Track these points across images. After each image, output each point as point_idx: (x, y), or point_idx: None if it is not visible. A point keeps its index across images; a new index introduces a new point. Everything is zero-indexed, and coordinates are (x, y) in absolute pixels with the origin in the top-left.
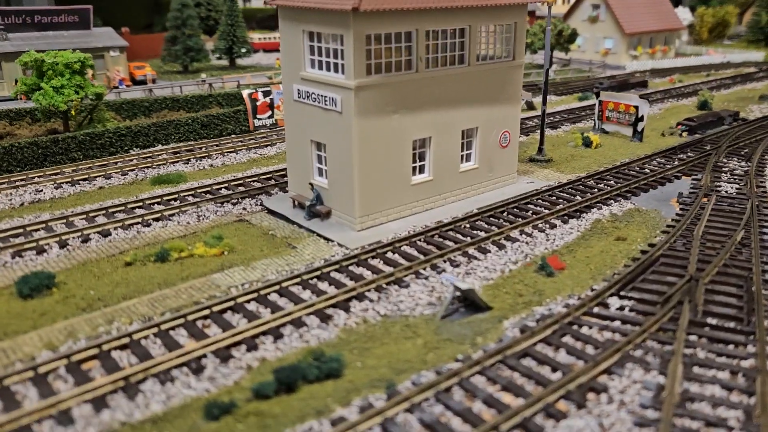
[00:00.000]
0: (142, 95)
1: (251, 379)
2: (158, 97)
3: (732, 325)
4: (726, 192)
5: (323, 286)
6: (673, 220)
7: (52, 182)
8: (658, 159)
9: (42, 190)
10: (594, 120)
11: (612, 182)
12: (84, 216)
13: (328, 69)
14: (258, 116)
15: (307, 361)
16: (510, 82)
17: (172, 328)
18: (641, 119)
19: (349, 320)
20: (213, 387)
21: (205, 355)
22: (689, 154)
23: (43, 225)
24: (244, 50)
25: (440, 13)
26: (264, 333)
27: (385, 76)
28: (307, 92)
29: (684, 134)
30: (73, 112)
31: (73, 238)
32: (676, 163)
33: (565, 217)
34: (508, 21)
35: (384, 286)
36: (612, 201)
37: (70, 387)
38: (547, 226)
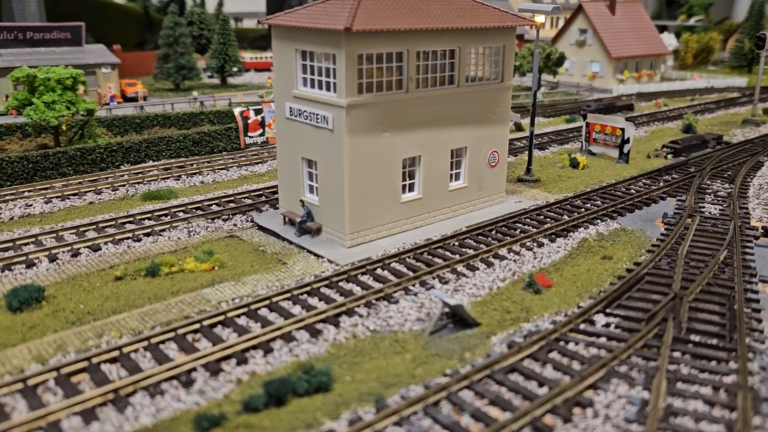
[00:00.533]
0: (134, 112)
1: (241, 393)
2: (149, 114)
3: (715, 342)
4: (710, 213)
5: (313, 301)
6: (658, 239)
7: (42, 197)
8: (643, 180)
9: (32, 205)
10: (581, 141)
11: (599, 202)
12: (74, 230)
13: (320, 87)
14: (249, 134)
15: (297, 375)
16: (499, 103)
17: (162, 342)
18: (627, 141)
19: (338, 335)
20: (203, 400)
21: (195, 369)
22: (674, 175)
23: (33, 239)
24: (235, 69)
25: (431, 35)
26: (254, 347)
27: (376, 96)
28: (299, 110)
29: (669, 156)
30: (64, 128)
31: (63, 252)
32: (661, 184)
33: (553, 236)
34: (497, 43)
35: (373, 301)
36: (598, 221)
37: (60, 399)
38: (535, 244)
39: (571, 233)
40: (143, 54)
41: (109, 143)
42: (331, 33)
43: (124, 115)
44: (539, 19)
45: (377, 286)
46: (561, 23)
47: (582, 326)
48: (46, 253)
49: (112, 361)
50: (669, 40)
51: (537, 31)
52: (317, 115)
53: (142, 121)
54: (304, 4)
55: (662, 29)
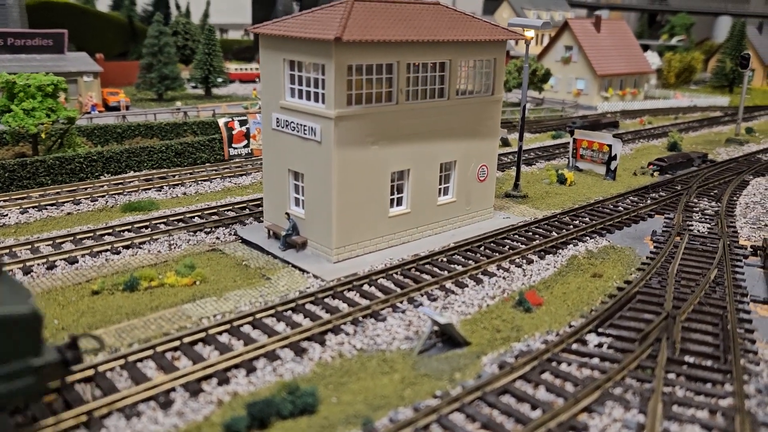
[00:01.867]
0: (115, 121)
1: (222, 415)
2: (131, 124)
3: (709, 363)
4: (698, 231)
5: (298, 318)
6: (647, 257)
7: (18, 207)
8: (631, 197)
9: (7, 215)
10: (568, 158)
11: (587, 219)
12: (50, 242)
13: (309, 98)
14: (233, 145)
15: (281, 396)
16: (488, 116)
17: (140, 360)
18: (614, 158)
19: (324, 354)
20: (182, 422)
21: (174, 389)
22: (661, 193)
23: (7, 250)
24: (220, 80)
25: (421, 47)
26: (236, 366)
27: (366, 107)
28: (286, 121)
29: (655, 174)
30: (43, 135)
31: (38, 264)
32: (648, 201)
33: (542, 252)
34: (487, 57)
35: (360, 319)
36: (587, 238)
37: (30, 423)
38: (524, 261)
39: (561, 250)
40: (126, 63)
41: (89, 153)
42: (321, 43)
43: (105, 125)
44: (529, 33)
45: (364, 302)
46: (546, 40)
47: (574, 346)
48: (20, 265)
49: (87, 380)
50: (652, 59)
51: (527, 45)
52: (305, 126)
53: (124, 130)
54: (290, 14)
55: (645, 48)
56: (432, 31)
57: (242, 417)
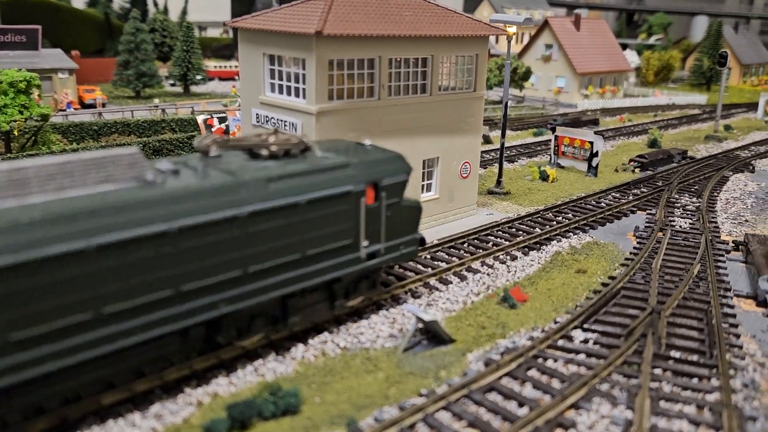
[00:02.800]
0: (92, 119)
1: (202, 416)
2: (108, 121)
3: (695, 358)
4: (680, 227)
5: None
6: (631, 253)
7: None
8: (613, 194)
9: None
10: (550, 155)
11: (570, 215)
12: None
13: (289, 93)
14: None
15: (263, 397)
16: (471, 113)
17: None
18: (596, 155)
19: (307, 353)
20: (160, 425)
21: (152, 390)
22: (642, 189)
23: None
24: (199, 77)
25: (404, 42)
26: (216, 366)
27: (347, 102)
28: (267, 117)
29: (636, 170)
30: (16, 133)
31: None
32: (630, 198)
33: (526, 249)
34: (470, 52)
35: (343, 317)
36: (571, 234)
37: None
38: (508, 257)
39: (544, 246)
40: (103, 60)
41: (64, 150)
42: (301, 37)
43: (81, 122)
44: (512, 29)
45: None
46: (526, 39)
47: (560, 342)
48: None
49: None
50: (631, 57)
51: (509, 42)
52: (285, 122)
53: (100, 128)
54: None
55: (624, 47)
56: (414, 26)
57: (222, 419)
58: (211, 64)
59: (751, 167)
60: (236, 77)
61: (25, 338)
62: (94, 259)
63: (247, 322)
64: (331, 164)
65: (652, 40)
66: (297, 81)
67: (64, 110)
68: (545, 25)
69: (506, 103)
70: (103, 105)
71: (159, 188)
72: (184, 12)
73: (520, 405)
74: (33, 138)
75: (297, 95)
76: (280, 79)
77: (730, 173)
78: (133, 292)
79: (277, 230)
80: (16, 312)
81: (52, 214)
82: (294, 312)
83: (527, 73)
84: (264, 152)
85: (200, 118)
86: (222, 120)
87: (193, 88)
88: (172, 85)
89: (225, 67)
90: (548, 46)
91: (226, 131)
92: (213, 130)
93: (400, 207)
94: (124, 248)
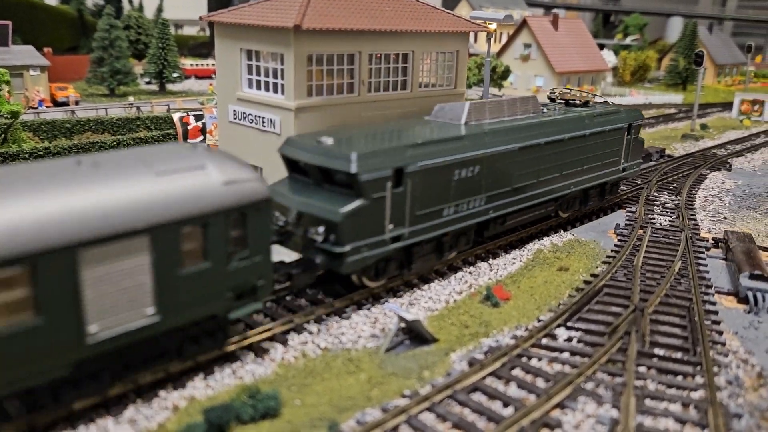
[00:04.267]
0: (64, 116)
1: (178, 421)
2: (81, 119)
3: (679, 355)
4: (660, 224)
5: (258, 317)
6: (612, 250)
7: None
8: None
9: None
10: None
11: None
12: None
13: (267, 89)
14: (189, 141)
15: (241, 400)
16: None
17: None
18: None
19: (286, 354)
20: (134, 430)
21: (125, 395)
22: (622, 187)
23: None
24: (175, 75)
25: (384, 37)
26: (193, 369)
27: (327, 99)
28: (244, 113)
29: None
30: None
31: None
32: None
33: (508, 247)
34: (450, 49)
35: (324, 317)
36: (552, 231)
37: None
38: (490, 255)
39: (526, 244)
40: (76, 58)
41: (35, 148)
42: (279, 31)
43: (53, 120)
44: (492, 26)
45: (327, 300)
46: (505, 38)
47: (544, 341)
48: None
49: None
50: (608, 57)
51: (489, 39)
52: (263, 118)
53: (73, 125)
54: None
55: (600, 47)
56: (394, 21)
57: (199, 423)
58: (188, 63)
59: (727, 165)
60: (213, 75)
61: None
62: (517, 155)
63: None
64: (612, 110)
65: (628, 41)
66: (275, 76)
67: (36, 108)
68: (524, 24)
69: None
70: (77, 103)
71: (547, 116)
72: (159, 9)
73: (505, 405)
74: (2, 135)
75: (275, 91)
76: (258, 74)
77: (708, 171)
78: (528, 176)
79: (594, 146)
80: (491, 180)
81: (502, 128)
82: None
83: (506, 72)
84: (577, 102)
85: (176, 116)
86: (198, 118)
87: (169, 87)
88: (148, 83)
89: (202, 65)
90: (527, 46)
91: (203, 129)
92: (189, 128)
93: (637, 139)
94: (531, 149)
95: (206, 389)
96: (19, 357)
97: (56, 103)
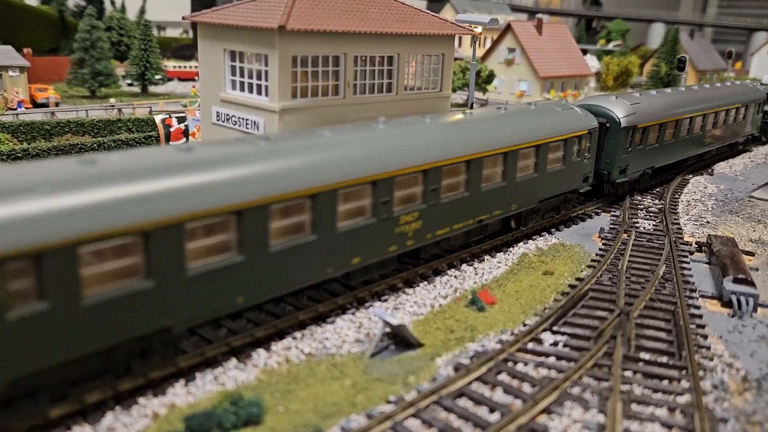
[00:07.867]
0: (44, 118)
1: (158, 429)
2: (61, 120)
3: (665, 359)
4: (644, 228)
5: (240, 323)
6: (597, 254)
7: None
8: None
9: None
10: None
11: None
12: None
13: (251, 91)
14: (171, 143)
15: (223, 407)
16: (437, 113)
17: None
18: None
19: (269, 359)
20: None
21: (104, 402)
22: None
23: None
24: (158, 77)
25: (369, 39)
26: (173, 375)
27: (311, 100)
28: (227, 115)
29: None
30: None
31: None
32: (594, 199)
33: (493, 251)
34: (436, 51)
35: (308, 322)
36: (537, 235)
37: None
38: (476, 259)
39: (511, 248)
40: (57, 59)
41: (13, 150)
42: (264, 31)
43: (32, 121)
44: (478, 29)
45: (311, 304)
46: (489, 43)
47: (530, 345)
48: None
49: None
50: (591, 62)
51: (475, 42)
52: (247, 120)
53: (53, 127)
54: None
55: (584, 52)
56: (380, 23)
57: (180, 431)
58: (171, 65)
59: (710, 170)
60: (196, 78)
61: None
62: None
63: None
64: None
65: (611, 46)
66: (259, 78)
67: (15, 109)
68: (508, 29)
69: (471, 104)
70: (57, 104)
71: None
72: (142, 11)
73: (492, 410)
74: None
75: (259, 93)
76: (242, 75)
77: (690, 176)
78: None
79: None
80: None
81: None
82: None
83: (490, 77)
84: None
85: (158, 118)
86: (181, 120)
87: (152, 89)
88: (130, 84)
89: (185, 67)
90: (511, 50)
91: (186, 131)
92: (172, 130)
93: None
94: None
95: (187, 396)
96: None
97: (36, 105)
